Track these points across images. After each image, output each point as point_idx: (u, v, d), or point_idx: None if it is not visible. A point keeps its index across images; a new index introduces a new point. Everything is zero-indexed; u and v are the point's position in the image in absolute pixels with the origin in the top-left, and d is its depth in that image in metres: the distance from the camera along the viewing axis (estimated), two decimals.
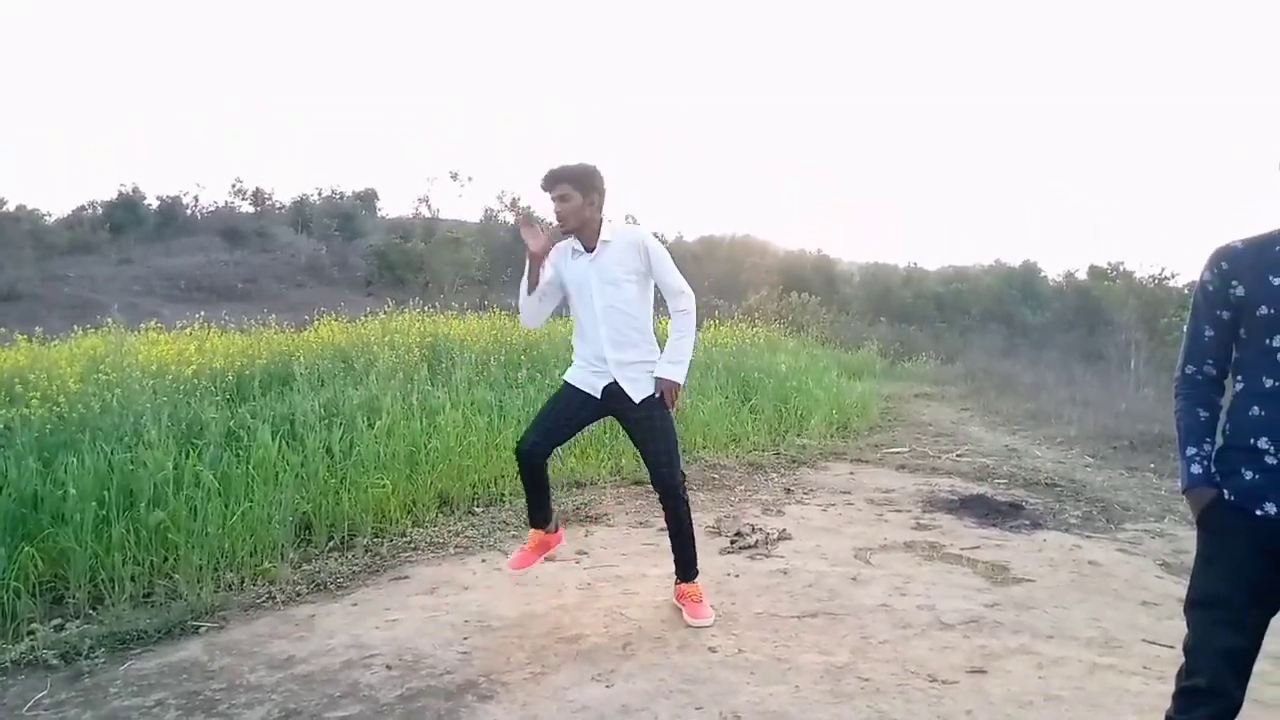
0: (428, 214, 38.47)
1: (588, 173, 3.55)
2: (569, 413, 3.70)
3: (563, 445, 3.92)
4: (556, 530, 3.98)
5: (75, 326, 9.72)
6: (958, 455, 7.74)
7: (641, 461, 3.81)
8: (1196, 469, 2.08)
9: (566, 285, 3.68)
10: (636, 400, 3.57)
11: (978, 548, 4.82)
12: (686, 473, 3.84)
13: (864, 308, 30.21)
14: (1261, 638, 2.00)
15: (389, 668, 3.18)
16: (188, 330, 9.49)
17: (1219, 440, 2.10)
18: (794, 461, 7.25)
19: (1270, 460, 1.95)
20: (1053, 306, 33.14)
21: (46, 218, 44.03)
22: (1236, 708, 1.99)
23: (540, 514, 3.86)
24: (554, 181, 3.53)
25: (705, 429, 7.61)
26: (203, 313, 10.80)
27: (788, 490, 6.21)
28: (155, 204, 45.39)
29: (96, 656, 3.30)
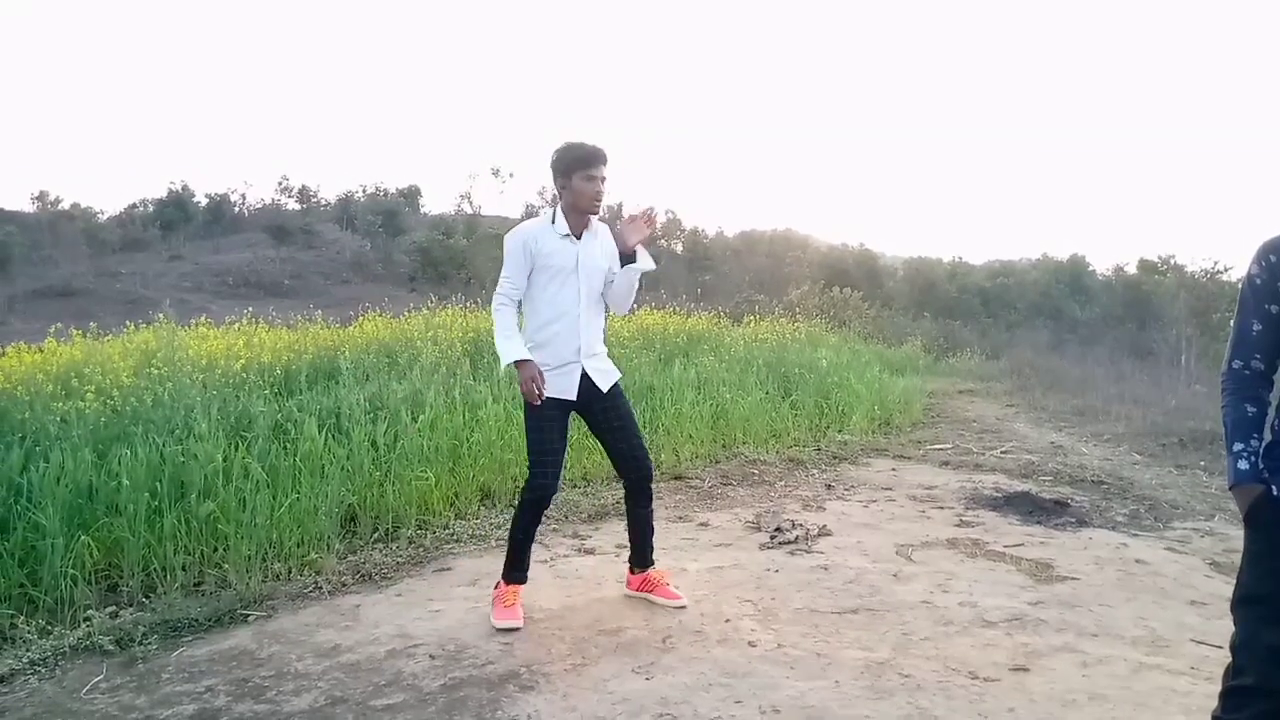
0: (470, 210, 38.92)
1: None
2: (560, 435, 3.58)
3: None
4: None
5: (127, 322, 9.96)
6: (1002, 452, 7.64)
7: (608, 455, 3.74)
8: (1244, 465, 2.05)
9: (546, 266, 3.48)
10: (604, 389, 3.56)
11: (1021, 545, 4.76)
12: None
13: (907, 303, 29.94)
14: None
15: (432, 658, 3.24)
16: (236, 326, 9.67)
17: (1267, 436, 2.07)
18: (835, 457, 7.21)
19: None
20: (1101, 301, 32.56)
21: (99, 215, 45.24)
22: None
23: (525, 561, 3.69)
24: (607, 159, 3.52)
25: (745, 424, 7.59)
26: (250, 308, 10.99)
27: (828, 486, 6.18)
28: (204, 201, 46.38)
29: (150, 643, 3.39)
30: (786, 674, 3.10)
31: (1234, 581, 2.08)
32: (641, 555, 3.75)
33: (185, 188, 44.79)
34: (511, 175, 44.55)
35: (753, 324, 13.10)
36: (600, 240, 3.58)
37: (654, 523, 3.76)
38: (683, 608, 3.63)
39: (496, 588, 3.66)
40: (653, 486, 3.72)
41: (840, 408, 8.86)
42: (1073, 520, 5.33)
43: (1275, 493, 1.99)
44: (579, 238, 3.51)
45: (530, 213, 41.98)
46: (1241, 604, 2.03)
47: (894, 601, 3.84)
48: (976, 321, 28.15)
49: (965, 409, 11.02)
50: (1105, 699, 2.95)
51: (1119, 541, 4.91)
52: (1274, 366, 2.10)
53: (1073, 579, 4.21)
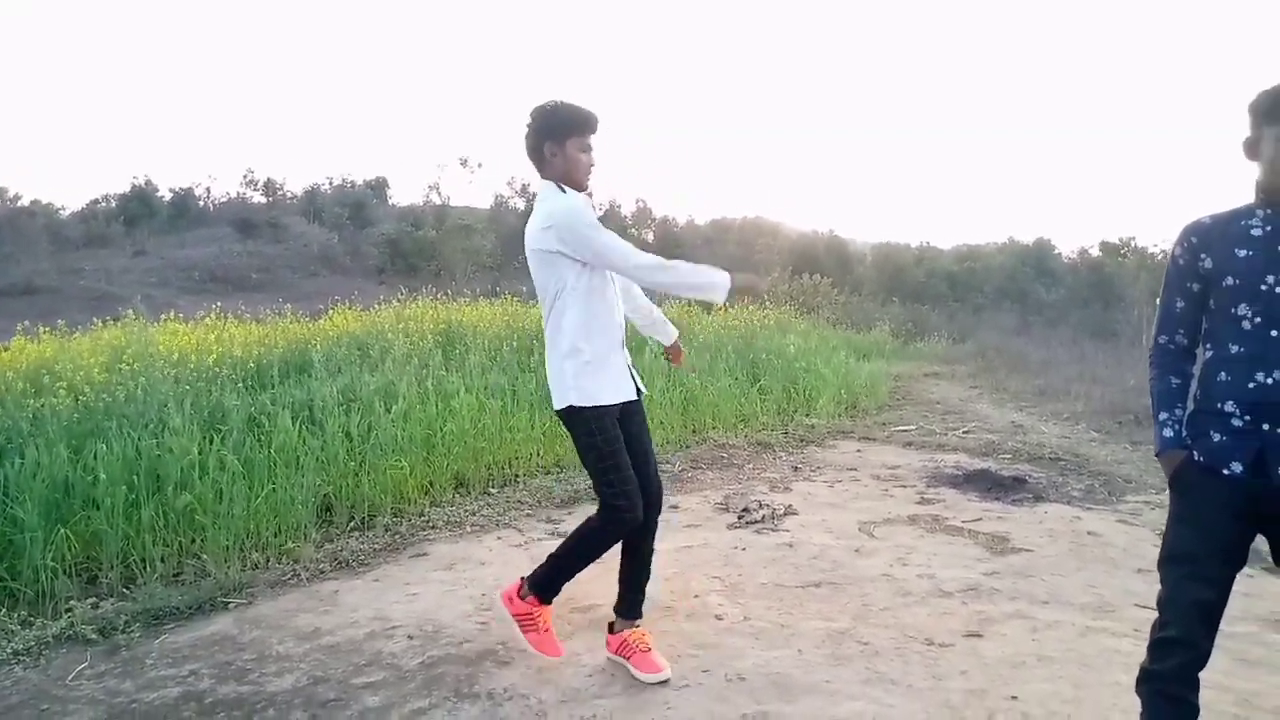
0: (438, 201, 38.69)
1: None
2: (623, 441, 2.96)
3: None
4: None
5: (94, 319, 9.92)
6: (964, 432, 7.85)
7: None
8: (1169, 433, 2.20)
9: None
10: (645, 392, 3.15)
11: (979, 520, 4.94)
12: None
13: (876, 288, 30.19)
14: (1228, 592, 2.12)
15: (411, 638, 3.34)
16: (205, 320, 9.67)
17: (1190, 405, 2.22)
18: (802, 440, 7.37)
19: (1236, 423, 2.07)
20: (1066, 283, 32.98)
21: (61, 211, 44.49)
22: (1205, 657, 2.12)
23: (639, 595, 3.14)
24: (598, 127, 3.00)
25: (714, 409, 7.73)
26: (219, 303, 10.98)
27: (795, 468, 6.34)
28: (168, 196, 45.73)
29: (132, 631, 3.47)
30: (751, 644, 3.24)
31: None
32: (633, 603, 3.12)
33: (149, 182, 44.17)
34: (480, 165, 44.15)
35: (722, 311, 13.24)
36: None
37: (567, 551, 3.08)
38: (665, 681, 2.91)
39: (524, 600, 3.09)
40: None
41: (807, 392, 9.03)
42: (1030, 496, 5.51)
43: (1197, 458, 2.14)
44: None
45: (500, 203, 41.84)
46: (1166, 563, 2.18)
47: (855, 575, 4.00)
48: (944, 305, 28.49)
49: (930, 391, 11.24)
50: (1053, 660, 3.12)
51: (1073, 515, 5.10)
52: (1196, 341, 2.25)
53: (1027, 551, 4.39)
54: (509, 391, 6.72)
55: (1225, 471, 2.08)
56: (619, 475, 2.86)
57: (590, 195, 3.02)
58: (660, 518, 3.12)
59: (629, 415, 3.00)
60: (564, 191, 2.91)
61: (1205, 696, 2.71)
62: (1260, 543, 2.14)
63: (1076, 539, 4.61)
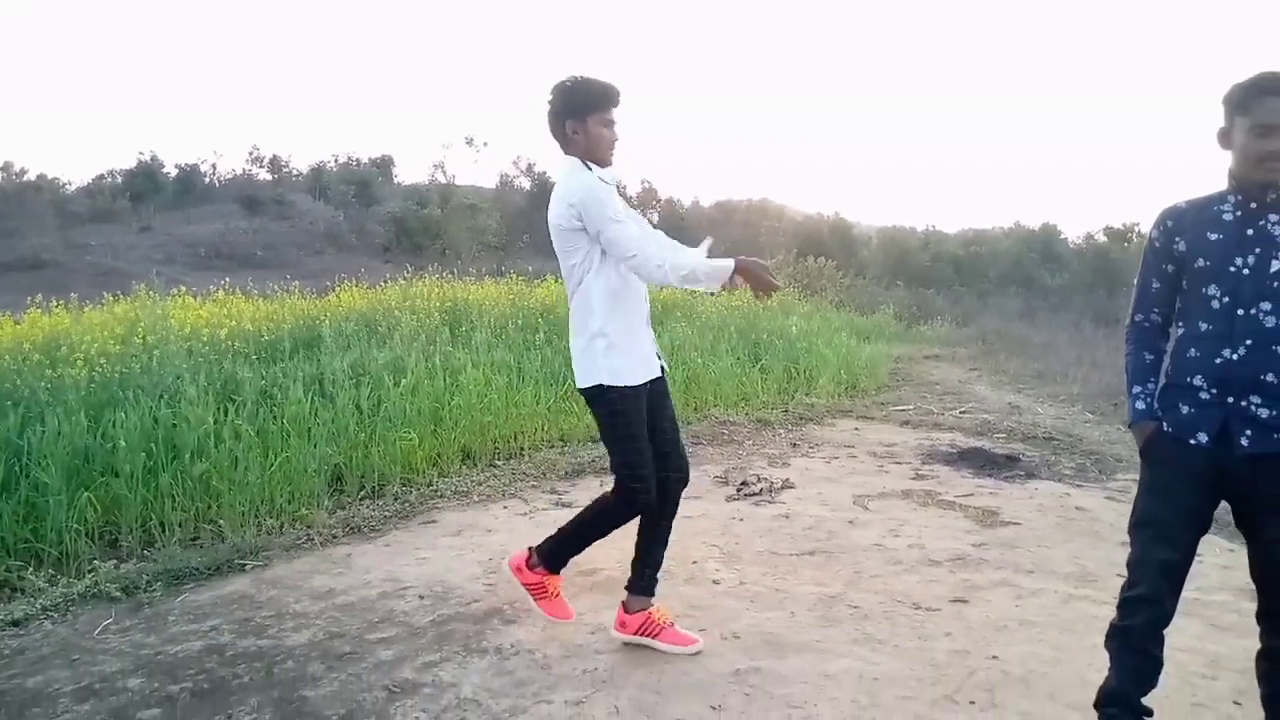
0: (444, 180, 38.69)
1: None
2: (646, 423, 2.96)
3: None
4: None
5: (101, 293, 10.05)
6: (961, 412, 7.98)
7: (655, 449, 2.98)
8: (1141, 405, 2.34)
9: None
10: (667, 367, 3.12)
11: (971, 495, 5.08)
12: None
13: (881, 271, 30.18)
14: (1193, 555, 2.27)
15: (421, 598, 3.50)
16: (214, 296, 9.81)
17: (1162, 380, 2.35)
18: (801, 419, 7.51)
19: (1204, 396, 2.21)
20: (1072, 269, 32.94)
21: (67, 186, 44.60)
22: (1169, 614, 2.26)
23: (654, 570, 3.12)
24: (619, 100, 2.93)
25: (716, 388, 7.87)
26: (227, 279, 11.12)
27: (794, 445, 6.48)
28: (174, 172, 45.80)
29: (154, 590, 3.63)
30: (746, 606, 3.39)
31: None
32: (648, 580, 3.07)
33: (154, 158, 44.23)
34: (486, 144, 44.18)
35: (726, 293, 13.34)
36: None
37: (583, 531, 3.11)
38: (698, 652, 2.97)
39: (534, 571, 3.17)
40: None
41: (808, 372, 9.16)
42: (1021, 473, 5.65)
43: (1166, 428, 2.28)
44: None
45: (505, 183, 41.88)
46: (1136, 527, 2.33)
47: (848, 545, 4.15)
48: (949, 290, 28.50)
49: (930, 373, 11.36)
50: (1034, 624, 3.26)
51: (1063, 492, 5.24)
52: (1170, 320, 2.38)
53: (1015, 524, 4.54)
54: (515, 368, 6.87)
55: (1192, 441, 2.22)
56: (639, 458, 2.88)
57: (615, 173, 2.95)
58: None
59: (655, 392, 2.99)
60: (589, 169, 2.87)
61: (1178, 659, 2.89)
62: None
63: (1065, 514, 4.75)
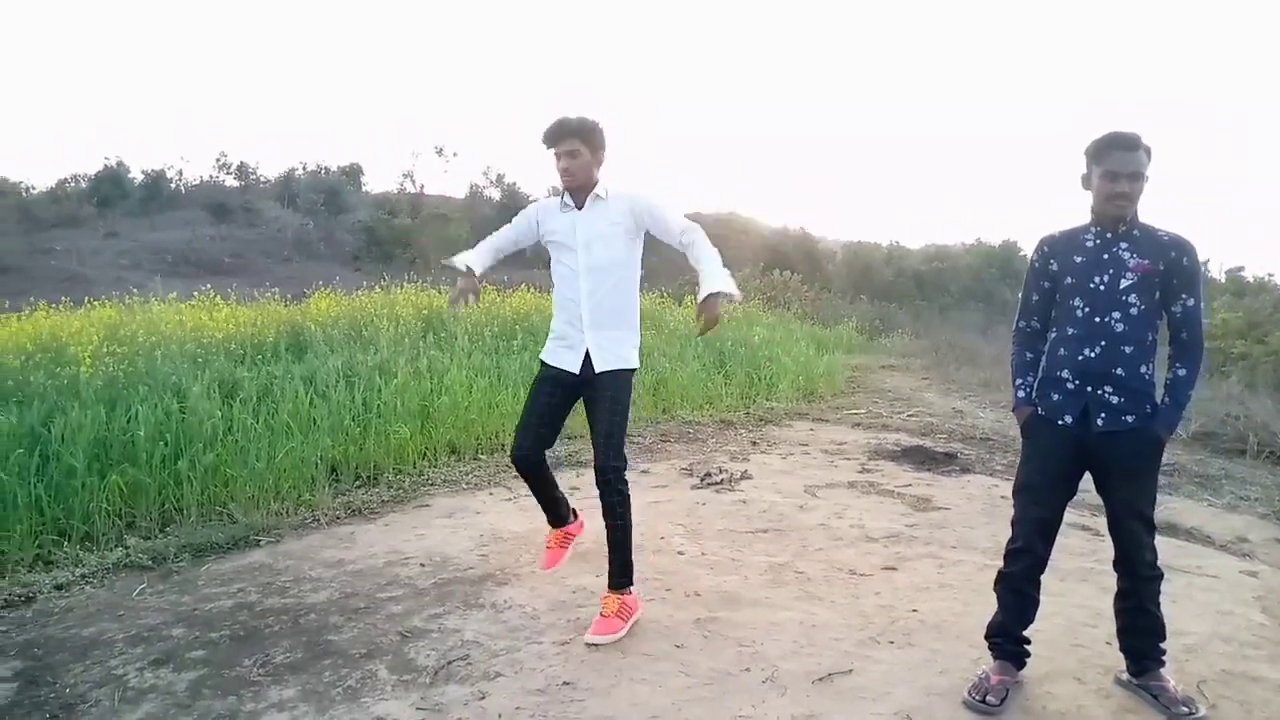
0: (413, 189, 38.99)
1: (596, 128, 3.35)
2: (551, 406, 3.48)
3: (555, 440, 3.61)
4: (576, 519, 3.91)
5: (64, 299, 10.35)
6: (908, 415, 8.59)
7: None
8: (1021, 394, 2.92)
9: (550, 242, 3.45)
10: (597, 370, 3.37)
11: (910, 486, 5.66)
12: (629, 459, 3.49)
13: (845, 285, 30.84)
14: (1062, 514, 2.86)
15: (423, 565, 3.99)
16: (196, 301, 10.17)
17: (1040, 374, 2.93)
18: (761, 420, 8.08)
19: (1069, 386, 2.78)
20: None
21: (30, 190, 44.25)
22: (1044, 562, 2.84)
23: (554, 513, 3.79)
24: (562, 136, 3.31)
25: (683, 391, 8.42)
26: (208, 285, 11.46)
27: (753, 443, 7.04)
28: (140, 177, 45.51)
29: (181, 560, 4.08)
30: (706, 572, 3.93)
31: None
32: (614, 574, 3.39)
33: (120, 163, 43.95)
34: (456, 154, 44.60)
35: (690, 304, 13.88)
36: (607, 205, 3.37)
37: (617, 537, 3.38)
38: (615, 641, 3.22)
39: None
40: (615, 494, 3.32)
41: (769, 379, 9.75)
42: (957, 468, 6.25)
43: (1041, 412, 2.85)
44: (580, 208, 3.39)
45: (475, 193, 42.29)
46: (1017, 492, 2.90)
47: (797, 524, 4.70)
48: (912, 304, 29.25)
49: (884, 381, 12.00)
50: (952, 587, 3.83)
51: (992, 484, 5.84)
52: (1046, 326, 2.95)
53: (946, 509, 5.12)
54: (494, 370, 7.36)
55: (1060, 422, 2.79)
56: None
57: (571, 195, 3.41)
58: (631, 480, 3.42)
59: (593, 383, 3.44)
60: (563, 195, 3.45)
61: (1069, 613, 3.49)
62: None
63: (991, 502, 5.34)
